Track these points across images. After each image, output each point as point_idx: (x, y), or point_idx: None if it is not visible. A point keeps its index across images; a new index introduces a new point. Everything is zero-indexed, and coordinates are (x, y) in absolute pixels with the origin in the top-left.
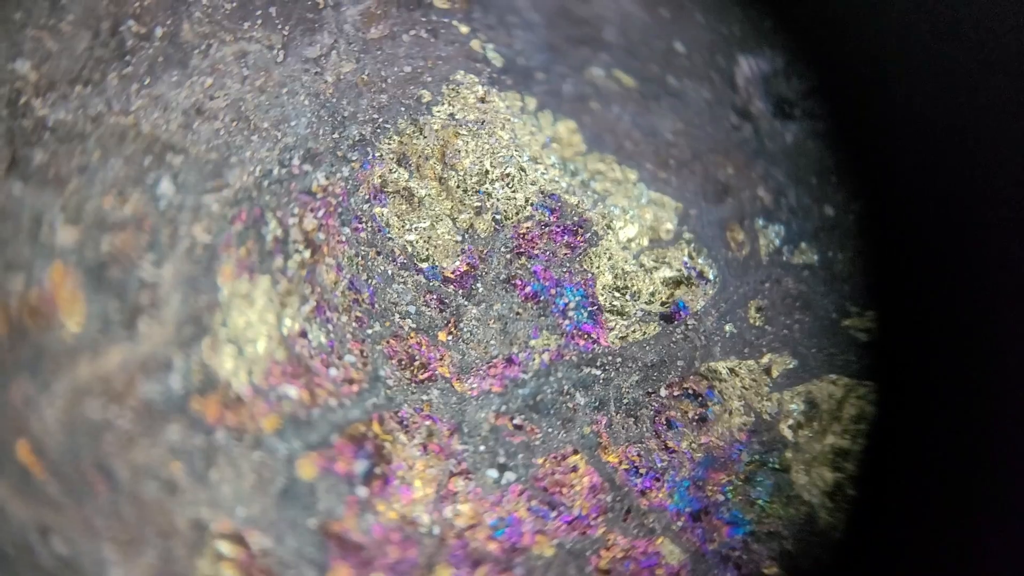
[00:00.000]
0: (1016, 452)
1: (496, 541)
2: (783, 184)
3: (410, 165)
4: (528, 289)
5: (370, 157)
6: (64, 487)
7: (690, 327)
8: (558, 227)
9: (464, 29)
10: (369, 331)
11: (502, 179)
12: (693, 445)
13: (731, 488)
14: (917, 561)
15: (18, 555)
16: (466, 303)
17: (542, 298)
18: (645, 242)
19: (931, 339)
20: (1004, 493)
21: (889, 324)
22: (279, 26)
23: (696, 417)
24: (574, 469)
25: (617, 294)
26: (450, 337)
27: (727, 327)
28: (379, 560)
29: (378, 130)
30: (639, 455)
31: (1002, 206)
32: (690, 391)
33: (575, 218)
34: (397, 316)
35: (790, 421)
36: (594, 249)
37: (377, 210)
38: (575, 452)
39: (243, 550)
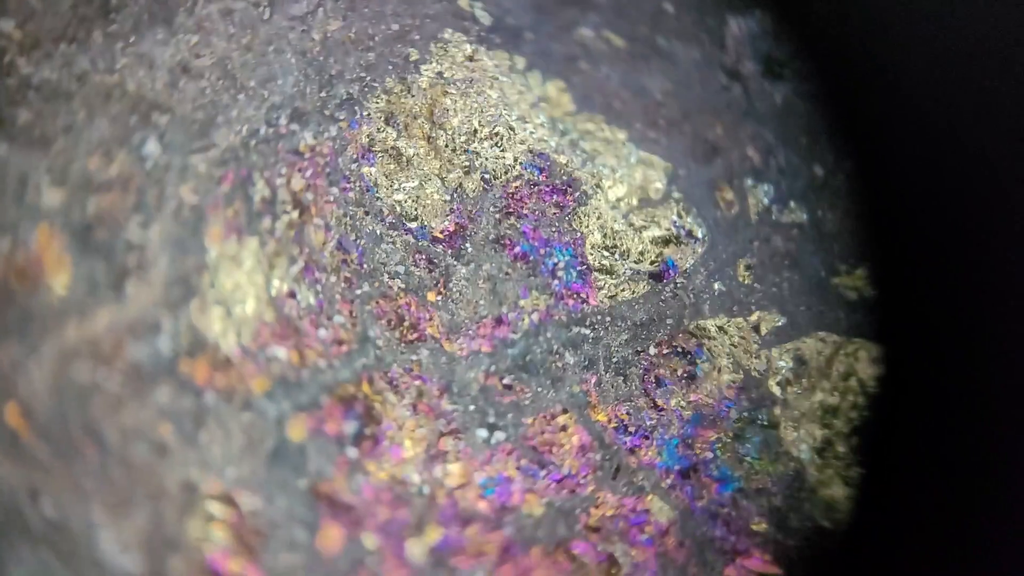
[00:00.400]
0: (1009, 405)
1: (486, 500)
2: (772, 144)
3: (398, 124)
4: (517, 249)
5: (358, 116)
6: (53, 450)
7: (679, 286)
8: (547, 187)
9: None
10: (358, 291)
11: (491, 138)
12: (682, 403)
13: (720, 445)
14: (912, 517)
15: (7, 518)
16: (455, 263)
17: (531, 258)
18: (634, 201)
19: (922, 296)
20: (1000, 449)
21: (878, 282)
22: None
23: (685, 375)
24: (563, 428)
25: (606, 253)
26: (439, 297)
27: (716, 285)
28: (369, 520)
29: (366, 89)
30: (628, 413)
31: (992, 164)
32: (679, 349)
33: (564, 178)
34: (386, 276)
35: (779, 378)
36: (583, 208)
37: (365, 170)
38: (564, 411)
39: (233, 511)
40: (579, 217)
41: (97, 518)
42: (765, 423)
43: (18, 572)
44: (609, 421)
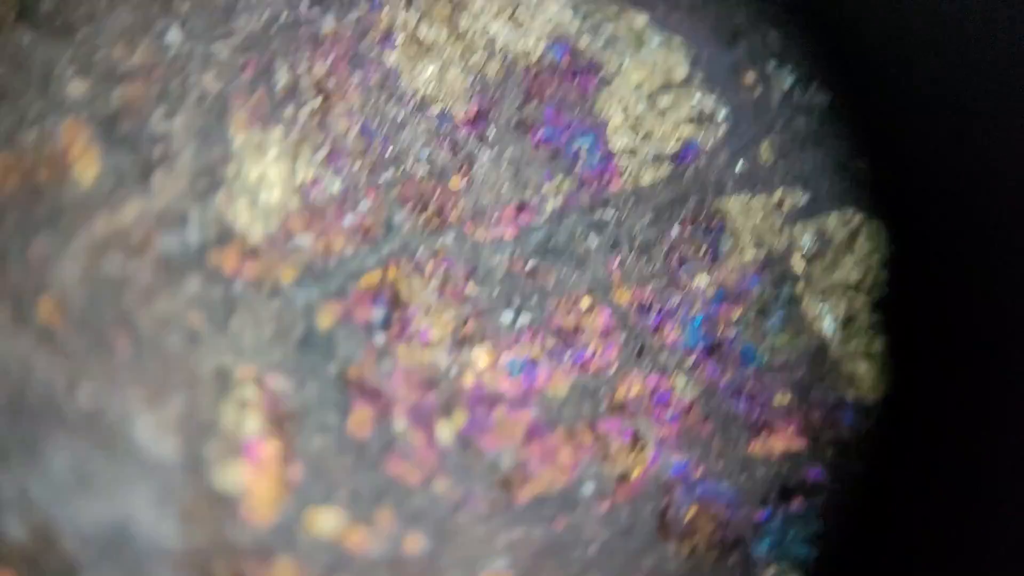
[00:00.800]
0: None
1: (511, 382)
2: (795, 27)
3: (419, 7)
4: (540, 133)
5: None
6: (87, 342)
7: (702, 166)
8: (570, 70)
9: None
10: (382, 178)
11: (512, 21)
12: (706, 281)
13: (743, 322)
14: (936, 391)
15: (45, 409)
16: (478, 147)
17: (554, 142)
18: (656, 84)
19: (930, 175)
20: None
21: (897, 164)
22: None
23: (708, 253)
24: (588, 310)
25: (629, 136)
26: (463, 182)
27: (739, 165)
28: (398, 404)
29: None
30: (652, 294)
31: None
32: (702, 228)
33: (586, 61)
34: (410, 161)
35: (802, 254)
36: (605, 92)
37: (387, 54)
38: (588, 293)
39: (266, 395)
40: (601, 100)
41: (133, 406)
42: (788, 299)
43: (57, 461)
44: (633, 302)
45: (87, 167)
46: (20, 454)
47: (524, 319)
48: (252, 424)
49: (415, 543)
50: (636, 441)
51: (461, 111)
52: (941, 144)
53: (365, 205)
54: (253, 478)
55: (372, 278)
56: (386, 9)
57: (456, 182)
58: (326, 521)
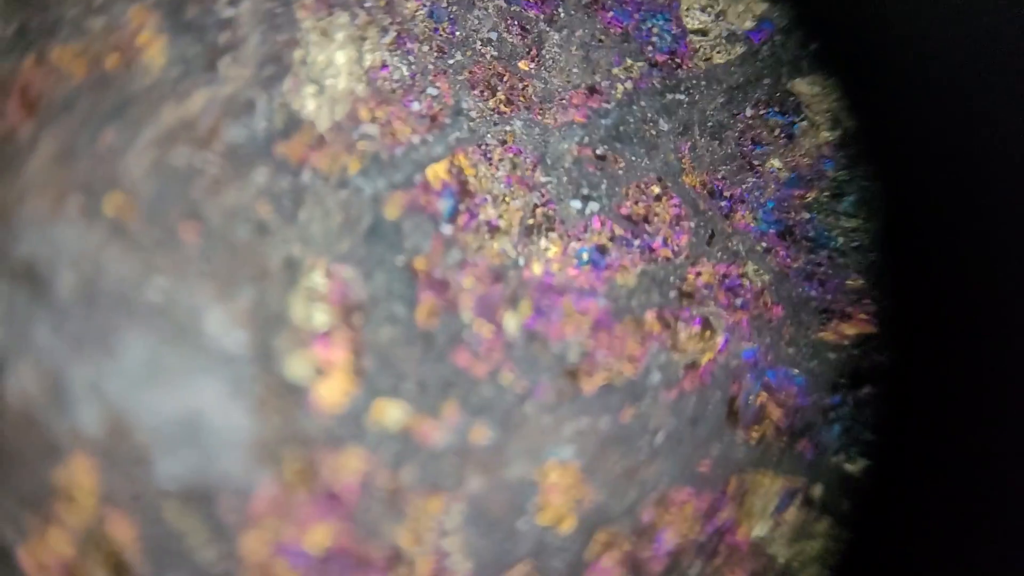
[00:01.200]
0: None
1: (580, 272)
2: None
3: None
4: (611, 14)
5: None
6: (157, 235)
7: (776, 45)
8: None
9: None
10: (450, 61)
11: None
12: (779, 164)
13: (816, 205)
14: None
15: (113, 303)
16: (548, 29)
17: (625, 22)
18: None
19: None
20: None
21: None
22: None
23: (782, 135)
24: (657, 197)
25: (702, 15)
26: (532, 65)
27: (813, 44)
28: (465, 294)
29: None
30: (723, 178)
31: None
32: (776, 109)
33: None
34: (478, 44)
35: None
36: None
37: None
38: (659, 179)
39: (334, 286)
40: None
41: (203, 299)
42: (863, 179)
43: (129, 353)
44: (704, 186)
45: (155, 55)
46: (93, 346)
47: (593, 207)
48: (321, 315)
49: (481, 433)
50: (705, 329)
51: None
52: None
53: (433, 90)
54: (322, 369)
55: (439, 167)
56: None
57: (525, 65)
58: (394, 412)
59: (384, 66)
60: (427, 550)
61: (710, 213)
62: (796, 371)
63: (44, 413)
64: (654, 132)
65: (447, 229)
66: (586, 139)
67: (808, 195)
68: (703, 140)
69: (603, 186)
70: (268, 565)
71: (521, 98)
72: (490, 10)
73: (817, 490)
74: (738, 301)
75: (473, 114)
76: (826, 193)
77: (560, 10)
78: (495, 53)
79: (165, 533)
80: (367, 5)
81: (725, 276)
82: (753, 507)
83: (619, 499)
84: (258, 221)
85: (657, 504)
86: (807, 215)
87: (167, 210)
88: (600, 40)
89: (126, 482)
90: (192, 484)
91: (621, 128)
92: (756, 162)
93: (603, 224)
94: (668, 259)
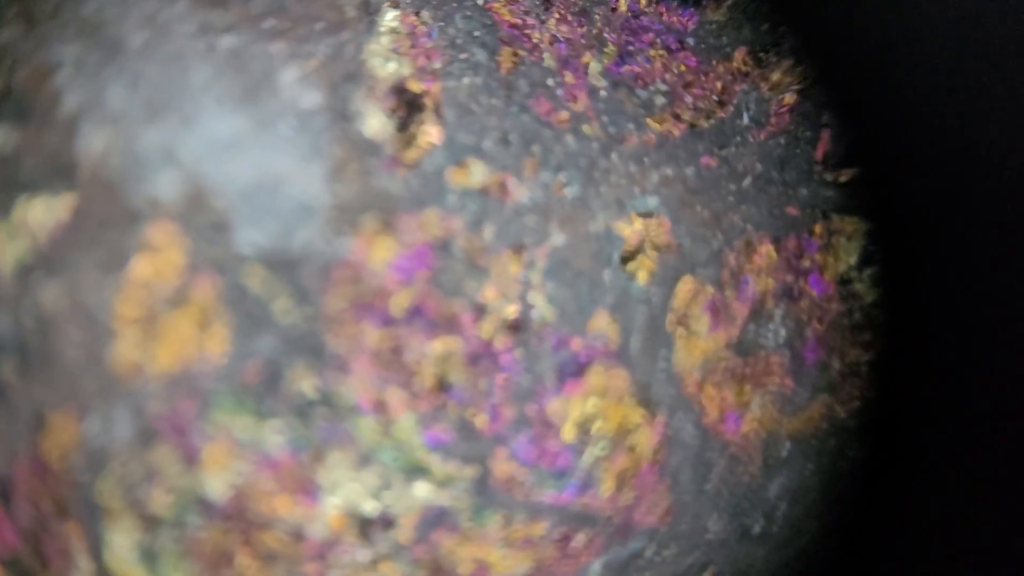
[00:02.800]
0: None
1: (668, 7)
2: None
3: None
4: None
5: None
6: None
7: None
8: None
9: None
10: None
11: None
12: None
13: None
14: None
15: (184, 65)
16: None
17: None
18: None
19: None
20: None
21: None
22: None
23: None
24: None
25: None
26: None
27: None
28: (547, 38)
29: None
30: None
31: None
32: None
33: None
34: None
35: None
36: None
37: None
38: None
39: (411, 36)
40: None
41: (276, 52)
42: None
43: (202, 120)
44: None
45: None
46: (168, 113)
47: None
48: (398, 67)
49: (565, 186)
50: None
51: None
52: None
53: None
54: (402, 123)
55: None
56: None
57: None
58: (475, 168)
59: None
60: (511, 302)
61: None
62: None
63: (121, 178)
64: None
65: None
66: None
67: None
68: None
69: None
70: (352, 323)
71: None
72: None
73: None
74: None
75: None
76: None
77: None
78: None
79: (250, 298)
80: None
81: None
82: (839, 251)
83: (704, 246)
84: None
85: (743, 249)
86: None
87: None
88: None
89: (209, 248)
90: (273, 249)
91: None
92: None
93: None
94: None
